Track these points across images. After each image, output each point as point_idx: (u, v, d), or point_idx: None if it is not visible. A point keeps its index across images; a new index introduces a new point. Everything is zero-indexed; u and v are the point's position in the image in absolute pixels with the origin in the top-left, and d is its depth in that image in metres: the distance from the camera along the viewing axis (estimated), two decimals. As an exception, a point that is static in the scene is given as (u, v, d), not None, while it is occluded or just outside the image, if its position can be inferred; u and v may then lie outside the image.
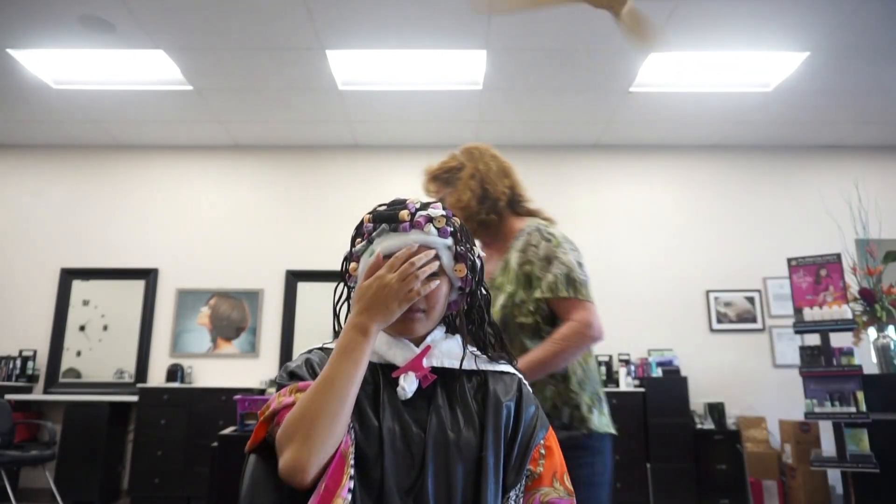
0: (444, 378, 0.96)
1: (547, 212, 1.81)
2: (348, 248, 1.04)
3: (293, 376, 0.93)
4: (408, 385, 0.91)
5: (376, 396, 0.92)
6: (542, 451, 0.94)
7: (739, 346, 5.28)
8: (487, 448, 0.88)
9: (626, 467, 4.62)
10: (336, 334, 1.06)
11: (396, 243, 0.95)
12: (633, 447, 4.65)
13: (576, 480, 1.01)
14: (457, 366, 0.97)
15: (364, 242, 0.99)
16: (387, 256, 0.95)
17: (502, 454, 0.90)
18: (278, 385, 0.92)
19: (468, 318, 1.03)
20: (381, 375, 0.94)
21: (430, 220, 0.97)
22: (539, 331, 1.58)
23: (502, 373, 1.00)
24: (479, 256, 1.03)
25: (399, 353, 0.95)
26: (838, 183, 5.47)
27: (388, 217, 0.98)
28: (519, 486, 0.91)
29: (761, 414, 4.91)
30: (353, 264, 1.02)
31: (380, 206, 1.03)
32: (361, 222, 1.01)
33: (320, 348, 1.00)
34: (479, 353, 1.01)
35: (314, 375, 0.91)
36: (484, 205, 1.70)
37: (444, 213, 0.99)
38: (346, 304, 1.07)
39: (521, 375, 1.02)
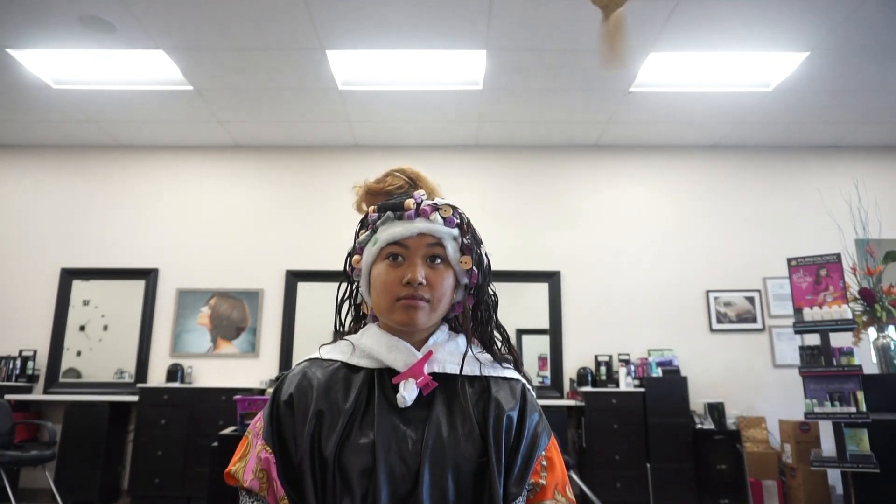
0: (445, 384, 0.93)
1: None
2: (351, 246, 1.02)
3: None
4: (407, 393, 0.88)
5: (370, 404, 0.90)
6: (544, 463, 0.92)
7: (739, 346, 5.28)
8: (489, 460, 0.85)
9: (626, 467, 4.62)
10: (337, 332, 1.05)
11: (401, 231, 0.93)
12: (633, 447, 4.65)
13: None
14: (458, 371, 0.94)
15: (368, 232, 0.97)
16: (391, 244, 0.93)
17: (503, 466, 0.87)
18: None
19: (473, 318, 1.01)
20: (378, 381, 0.92)
21: (436, 208, 0.95)
22: None
23: (506, 378, 0.97)
24: (486, 254, 1.01)
25: (400, 357, 0.92)
26: (838, 183, 5.47)
27: (393, 206, 0.96)
28: (520, 498, 0.88)
29: (761, 414, 4.91)
30: (356, 256, 1.00)
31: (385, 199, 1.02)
32: (366, 215, 1.00)
33: (315, 359, 0.98)
34: (482, 356, 0.98)
35: (279, 434, 0.90)
36: None
37: (450, 203, 0.98)
38: (348, 302, 1.05)
39: (524, 381, 0.99)
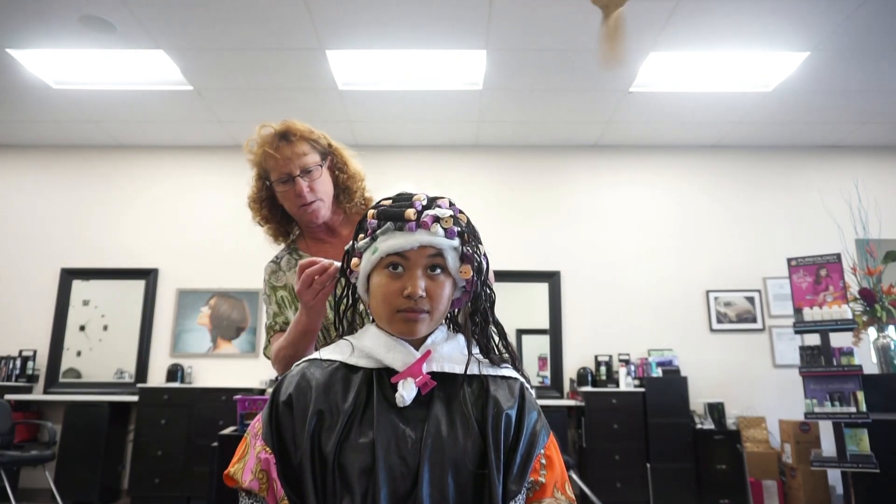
0: (444, 383, 0.93)
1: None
2: (350, 244, 1.01)
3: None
4: (406, 392, 0.88)
5: (369, 404, 0.90)
6: (543, 461, 0.92)
7: (739, 346, 5.28)
8: (489, 459, 0.86)
9: (626, 467, 4.62)
10: (338, 331, 1.05)
11: (401, 243, 0.93)
12: (633, 447, 4.65)
13: None
14: (457, 370, 0.94)
15: (367, 239, 0.97)
16: (392, 255, 0.93)
17: (503, 464, 0.87)
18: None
19: (472, 319, 1.00)
20: (377, 381, 0.92)
21: (436, 219, 0.94)
22: None
23: (504, 377, 0.97)
24: (484, 255, 1.00)
25: (398, 357, 0.93)
26: (838, 183, 5.47)
27: (394, 215, 0.95)
28: (520, 496, 0.88)
29: (761, 414, 4.91)
30: (354, 260, 0.99)
31: (384, 199, 1.00)
32: (365, 217, 0.98)
33: (314, 359, 0.98)
34: (481, 356, 0.99)
35: (279, 434, 0.90)
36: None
37: (451, 212, 0.96)
38: (346, 301, 1.05)
39: (523, 379, 0.99)
